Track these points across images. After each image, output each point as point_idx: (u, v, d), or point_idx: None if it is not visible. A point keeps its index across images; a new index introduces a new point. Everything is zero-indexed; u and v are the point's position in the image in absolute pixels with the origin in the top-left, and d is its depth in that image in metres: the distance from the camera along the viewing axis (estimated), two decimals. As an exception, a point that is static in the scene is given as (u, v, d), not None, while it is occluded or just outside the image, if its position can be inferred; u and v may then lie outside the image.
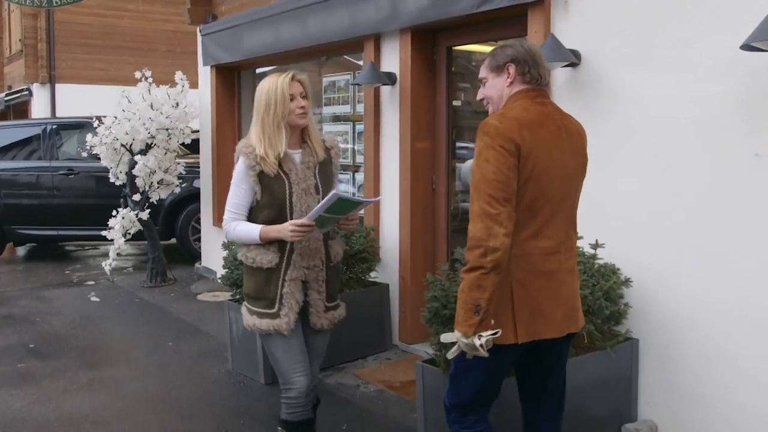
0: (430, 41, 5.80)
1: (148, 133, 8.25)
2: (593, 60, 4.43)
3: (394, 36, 5.87)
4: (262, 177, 3.34)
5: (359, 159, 6.51)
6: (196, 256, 9.83)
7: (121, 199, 8.93)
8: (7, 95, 18.34)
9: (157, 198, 8.77)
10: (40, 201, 10.46)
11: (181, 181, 9.14)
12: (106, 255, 9.23)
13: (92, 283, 9.16)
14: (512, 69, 2.80)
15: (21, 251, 12.04)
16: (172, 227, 10.13)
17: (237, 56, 7.97)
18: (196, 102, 8.91)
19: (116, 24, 17.74)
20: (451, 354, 2.69)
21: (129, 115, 8.34)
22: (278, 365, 3.44)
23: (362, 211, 5.70)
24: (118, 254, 8.62)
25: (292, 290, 3.40)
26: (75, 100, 16.32)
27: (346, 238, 5.53)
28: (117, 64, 16.93)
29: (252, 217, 3.42)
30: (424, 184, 5.80)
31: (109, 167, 8.70)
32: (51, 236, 10.64)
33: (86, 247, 12.08)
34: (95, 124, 8.61)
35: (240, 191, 3.39)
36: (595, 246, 4.20)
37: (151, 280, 8.87)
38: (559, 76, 4.60)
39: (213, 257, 8.60)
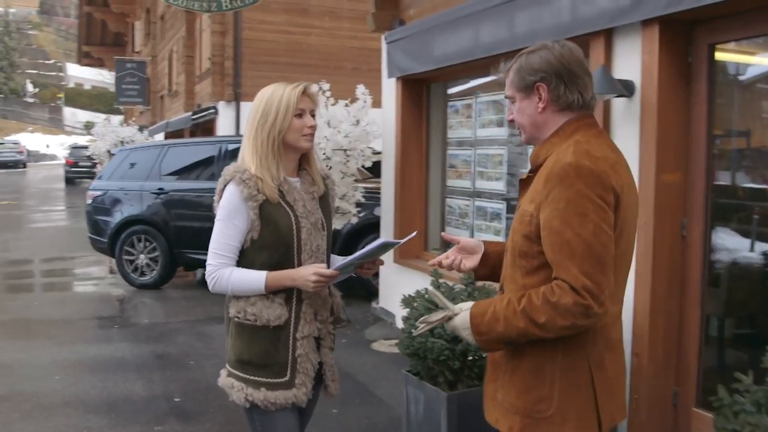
0: (684, 37, 4.32)
1: (324, 153, 7.25)
2: None
3: (633, 31, 4.44)
4: (262, 210, 2.70)
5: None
6: (374, 293, 8.70)
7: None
8: (194, 113, 18.30)
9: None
10: (211, 224, 9.72)
11: (359, 209, 8.07)
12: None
13: (258, 318, 8.26)
14: (544, 91, 2.25)
15: (199, 274, 11.51)
16: (350, 259, 9.07)
17: (427, 65, 6.80)
18: (379, 120, 7.84)
19: (302, 41, 17.24)
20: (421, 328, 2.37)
21: (303, 133, 7.38)
22: None
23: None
24: (287, 288, 7.63)
25: (306, 351, 2.77)
26: (260, 118, 15.88)
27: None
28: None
29: (244, 261, 2.76)
30: (671, 230, 4.30)
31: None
32: (221, 262, 9.86)
33: (258, 274, 11.31)
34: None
35: (232, 229, 2.72)
36: None
37: (321, 321, 7.83)
38: None
39: (392, 298, 7.44)
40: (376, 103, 8.09)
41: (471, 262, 2.59)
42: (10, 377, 6.03)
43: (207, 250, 7.72)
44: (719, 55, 4.29)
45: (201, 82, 19.34)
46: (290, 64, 16.92)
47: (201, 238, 9.55)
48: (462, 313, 2.29)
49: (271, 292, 2.70)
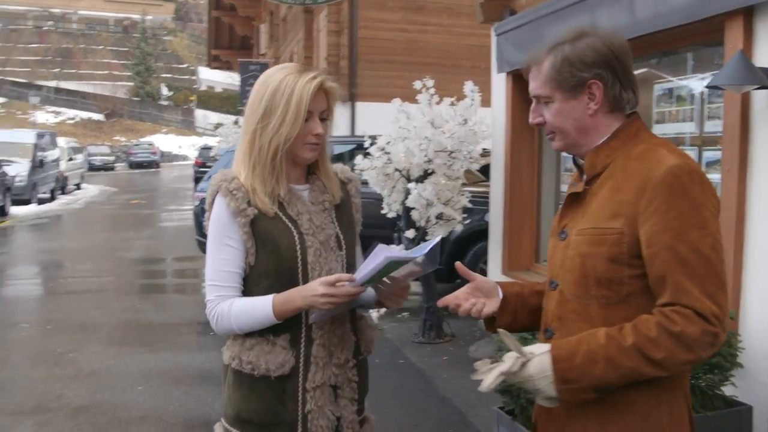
0: None
1: (425, 155, 6.73)
2: None
3: (780, 10, 3.72)
4: (256, 227, 2.16)
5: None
6: (482, 304, 8.10)
7: (395, 234, 7.53)
8: (308, 115, 18.23)
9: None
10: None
11: (465, 215, 7.50)
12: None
13: (358, 329, 7.84)
14: (599, 90, 1.80)
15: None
16: (458, 267, 8.51)
17: (538, 58, 6.19)
18: (488, 119, 7.27)
19: (419, 39, 16.74)
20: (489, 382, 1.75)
21: (404, 134, 6.89)
22: None
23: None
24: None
25: (320, 404, 2.19)
26: (375, 118, 15.47)
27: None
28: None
29: (244, 296, 2.22)
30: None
31: (381, 195, 7.28)
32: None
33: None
34: (366, 143, 7.22)
35: (227, 252, 2.17)
36: None
37: (423, 334, 7.33)
38: None
39: (498, 312, 6.86)
40: (489, 102, 7.53)
41: (490, 307, 2.06)
42: (95, 385, 5.85)
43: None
44: None
45: (318, 83, 19.25)
46: (406, 62, 16.50)
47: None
48: (537, 358, 1.78)
49: (274, 332, 2.16)
